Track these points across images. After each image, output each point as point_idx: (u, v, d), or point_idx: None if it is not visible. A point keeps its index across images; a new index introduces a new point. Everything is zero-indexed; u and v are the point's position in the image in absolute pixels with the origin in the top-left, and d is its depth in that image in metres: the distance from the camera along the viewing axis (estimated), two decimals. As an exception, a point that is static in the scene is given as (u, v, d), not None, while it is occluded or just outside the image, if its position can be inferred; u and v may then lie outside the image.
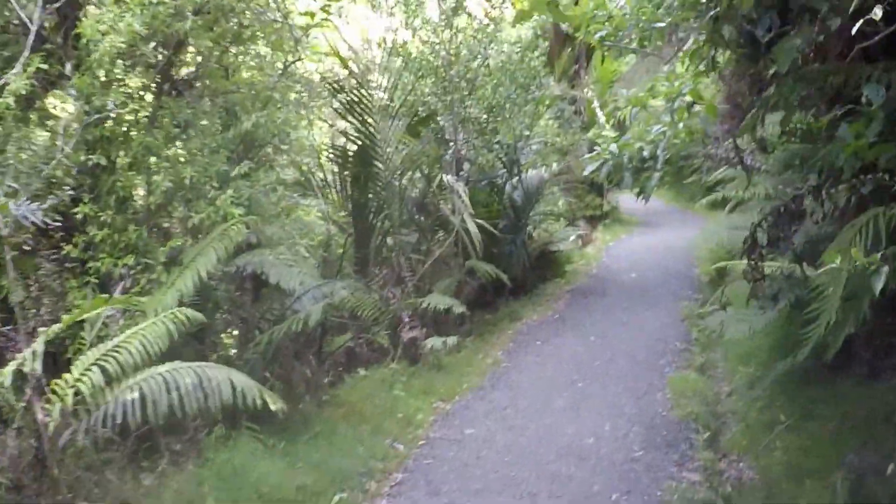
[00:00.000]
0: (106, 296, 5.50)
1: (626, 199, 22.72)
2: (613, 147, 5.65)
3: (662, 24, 4.96)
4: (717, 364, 9.01)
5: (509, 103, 11.46)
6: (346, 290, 9.07)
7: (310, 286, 8.57)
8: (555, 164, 14.19)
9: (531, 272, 13.20)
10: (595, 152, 5.79)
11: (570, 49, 19.42)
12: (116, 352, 5.05)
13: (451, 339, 9.05)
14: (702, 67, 4.92)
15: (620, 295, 12.63)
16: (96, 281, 6.42)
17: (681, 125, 5.11)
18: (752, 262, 6.04)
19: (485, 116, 11.81)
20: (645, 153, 5.31)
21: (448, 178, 10.02)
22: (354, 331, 9.91)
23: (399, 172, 10.66)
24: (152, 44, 6.90)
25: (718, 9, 3.87)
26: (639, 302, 12.01)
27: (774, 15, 4.06)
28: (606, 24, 5.92)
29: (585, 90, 19.35)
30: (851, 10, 3.48)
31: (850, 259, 3.83)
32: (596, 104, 19.07)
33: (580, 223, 18.54)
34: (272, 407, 5.08)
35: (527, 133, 12.40)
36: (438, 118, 11.54)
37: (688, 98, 5.21)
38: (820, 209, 4.74)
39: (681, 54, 5.46)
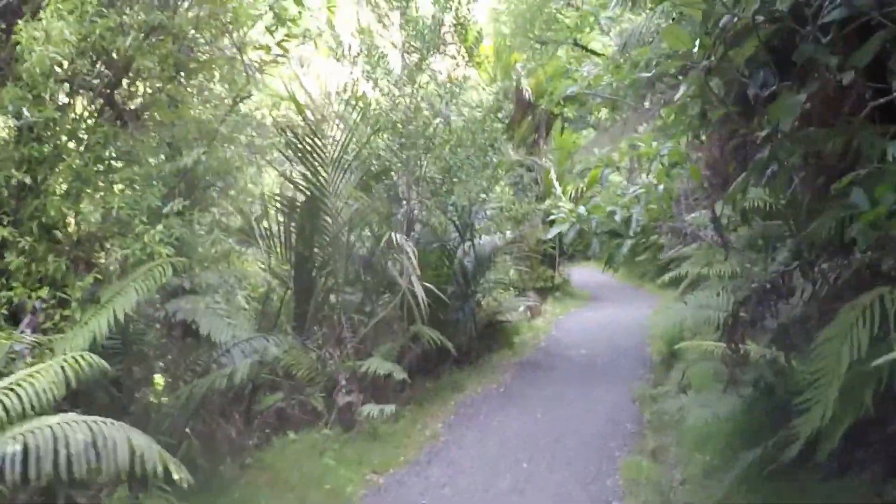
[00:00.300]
0: (9, 331, 4.89)
1: (578, 272, 22.51)
2: (581, 209, 5.18)
3: (647, 75, 4.56)
4: (671, 449, 8.47)
5: (467, 165, 11.04)
6: (280, 347, 8.47)
7: (241, 339, 7.97)
8: (508, 232, 13.76)
9: (478, 341, 12.69)
10: (560, 214, 5.28)
11: (530, 117, 19.33)
12: (4, 395, 4.39)
13: (389, 408, 8.43)
14: (683, 126, 4.55)
15: (569, 371, 12.14)
16: (6, 312, 5.82)
17: (661, 188, 4.67)
18: (733, 345, 5.59)
19: (440, 177, 11.38)
20: (617, 217, 4.86)
21: (398, 237, 9.51)
22: (287, 390, 9.25)
23: (347, 228, 10.15)
24: (94, 61, 6.38)
25: (712, 59, 3.47)
26: (589, 379, 11.52)
27: (770, 70, 3.68)
28: (576, 80, 5.51)
29: (543, 159, 19.14)
30: (865, 64, 3.10)
31: (851, 344, 3.39)
32: (553, 174, 18.83)
33: (530, 294, 18.11)
34: (174, 476, 4.43)
35: (483, 197, 11.98)
36: (392, 175, 11.09)
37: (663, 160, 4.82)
38: (811, 287, 4.32)
39: (664, 111, 5.07)
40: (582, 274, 23.46)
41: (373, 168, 10.99)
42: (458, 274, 12.63)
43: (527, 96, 18.44)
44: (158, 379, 7.87)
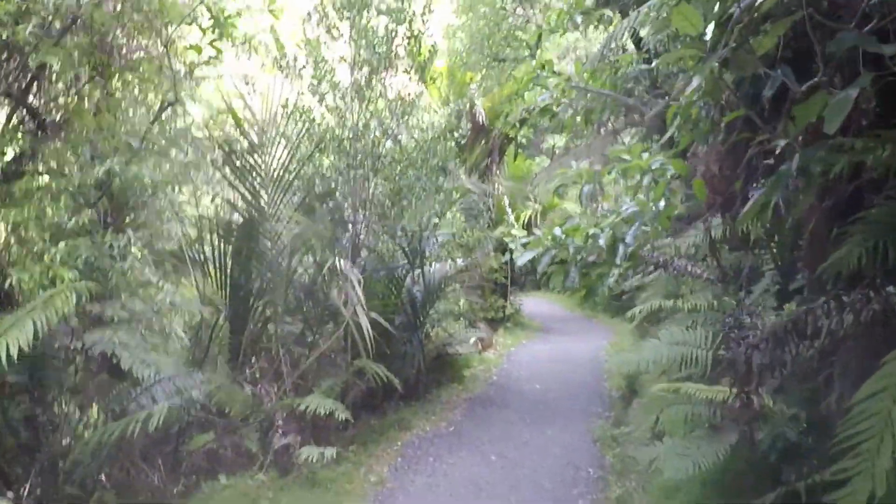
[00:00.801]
0: None
1: (529, 302, 21.89)
2: (558, 231, 4.44)
3: (648, 67, 3.91)
4: (636, 497, 7.81)
5: (419, 187, 10.31)
6: (209, 384, 7.65)
7: (165, 376, 7.15)
8: (459, 260, 13.04)
9: (426, 375, 11.91)
10: (532, 238, 4.52)
11: (484, 141, 18.73)
12: None
13: (330, 451, 7.59)
14: (687, 131, 3.90)
15: (523, 408, 11.40)
16: None
17: (660, 205, 3.98)
18: (745, 396, 4.91)
19: (389, 199, 10.64)
20: (601, 241, 4.16)
21: (342, 263, 8.73)
22: (220, 429, 8.39)
23: (288, 252, 9.36)
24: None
25: (728, 47, 2.82)
26: (544, 417, 10.80)
27: (790, 67, 3.05)
28: (546, 87, 4.82)
29: (497, 186, 18.53)
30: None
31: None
32: (506, 201, 18.22)
33: (480, 325, 17.43)
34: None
35: (435, 221, 11.26)
36: (338, 196, 10.32)
37: (660, 173, 4.13)
38: (840, 326, 3.67)
39: (669, 112, 4.36)
40: (532, 304, 22.83)
41: (316, 189, 10.23)
42: (406, 303, 11.89)
43: (480, 119, 17.83)
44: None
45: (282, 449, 7.93)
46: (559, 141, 26.72)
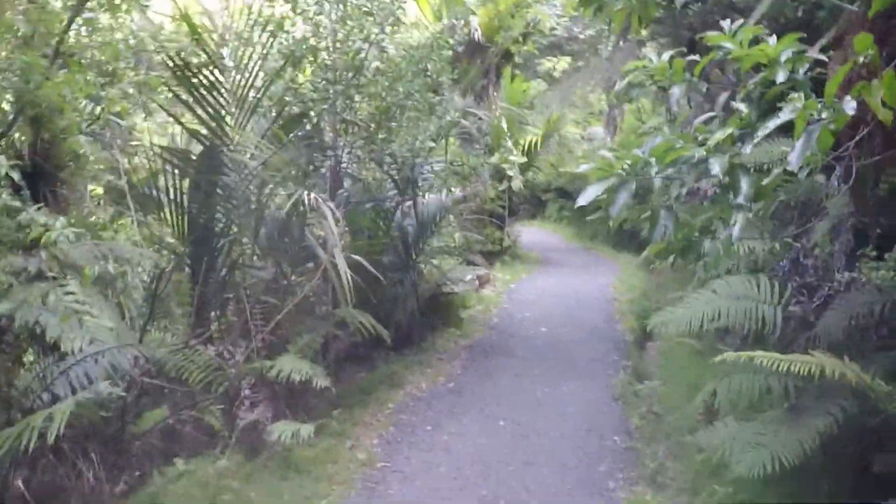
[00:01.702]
0: None
1: (525, 233, 20.49)
2: (640, 152, 2.89)
3: None
4: (670, 469, 6.54)
5: (410, 105, 8.79)
6: (163, 346, 6.28)
7: (101, 349, 5.78)
8: (456, 190, 11.58)
9: (420, 319, 10.53)
10: (599, 163, 2.93)
11: (480, 61, 17.15)
12: None
13: (307, 429, 6.20)
14: None
15: (531, 357, 10.07)
16: None
17: (825, 114, 2.52)
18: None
19: (375, 122, 9.13)
20: (714, 169, 2.65)
21: (317, 197, 7.23)
22: (177, 401, 7.05)
23: (257, 186, 7.92)
24: None
25: None
26: (556, 369, 9.48)
27: None
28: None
29: (494, 109, 16.94)
30: None
31: None
32: (504, 126, 16.66)
33: (476, 259, 16.05)
34: None
35: (432, 145, 9.75)
36: (314, 118, 8.79)
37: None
38: None
39: None
40: (529, 234, 21.40)
41: (289, 109, 8.73)
42: (396, 240, 10.48)
43: (476, 36, 16.19)
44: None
45: (249, 426, 6.58)
46: (558, 63, 25.13)
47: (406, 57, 8.75)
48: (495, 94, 17.70)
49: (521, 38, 14.98)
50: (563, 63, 24.60)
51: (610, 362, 9.78)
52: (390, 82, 8.65)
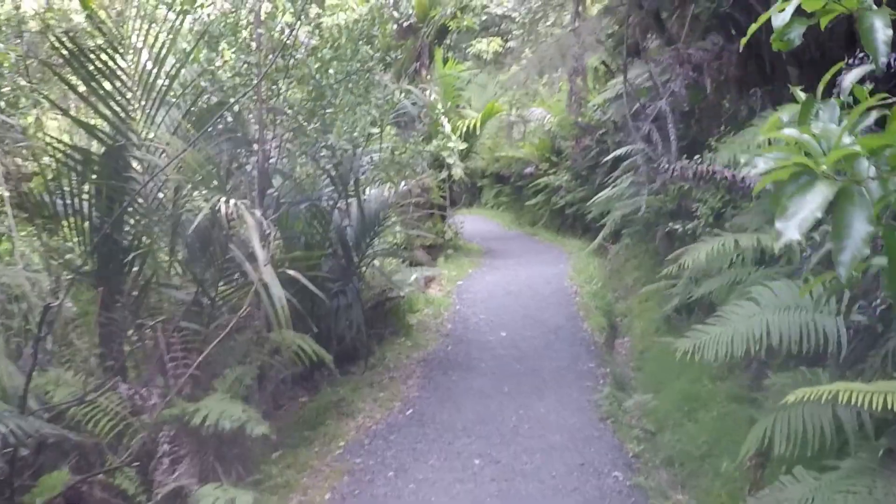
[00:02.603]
0: None
1: (464, 222, 19.31)
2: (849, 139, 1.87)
3: None
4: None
5: (351, 90, 7.55)
6: (64, 387, 4.97)
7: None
8: (402, 183, 10.37)
9: (366, 331, 9.30)
10: (780, 161, 1.89)
11: (412, 42, 15.94)
12: None
13: (245, 499, 4.97)
14: None
15: (495, 370, 8.93)
16: None
17: None
18: None
19: (306, 110, 7.87)
20: None
21: (240, 204, 5.92)
22: (83, 457, 5.72)
23: (172, 190, 6.64)
24: None
25: None
26: (526, 384, 8.36)
27: None
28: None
29: (429, 93, 15.74)
30: None
31: None
32: (441, 110, 15.46)
33: (419, 256, 14.88)
34: None
35: (375, 131, 8.52)
36: (236, 107, 7.50)
37: None
38: None
39: None
40: (468, 222, 20.22)
41: (208, 98, 7.43)
42: (335, 244, 9.25)
43: (408, 15, 14.97)
44: None
45: (171, 494, 5.29)
46: (488, 45, 24.10)
47: (346, 30, 7.48)
48: (429, 77, 16.52)
49: (458, 13, 13.83)
50: (494, 45, 23.57)
51: (584, 371, 8.72)
52: (324, 62, 7.37)
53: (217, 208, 5.76)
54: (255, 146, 7.62)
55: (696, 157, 7.49)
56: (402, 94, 9.71)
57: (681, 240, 9.44)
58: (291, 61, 7.33)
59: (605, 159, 14.91)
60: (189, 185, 6.81)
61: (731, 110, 8.48)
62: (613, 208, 14.84)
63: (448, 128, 15.70)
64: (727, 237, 5.22)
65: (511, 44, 22.95)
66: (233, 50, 7.49)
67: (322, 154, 8.40)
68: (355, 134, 8.11)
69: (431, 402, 7.92)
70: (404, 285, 11.43)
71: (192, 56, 7.03)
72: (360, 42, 7.45)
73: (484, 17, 20.09)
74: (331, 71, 7.64)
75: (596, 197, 14.81)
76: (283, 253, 8.14)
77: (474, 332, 10.67)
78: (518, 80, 11.24)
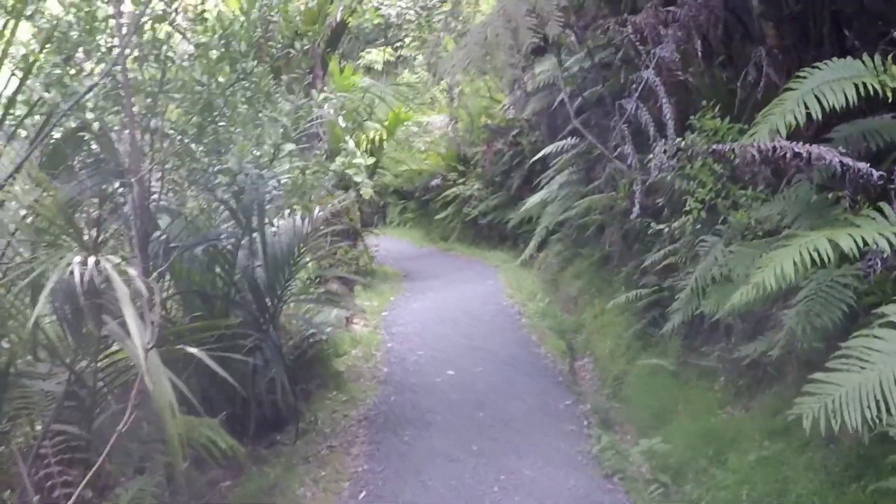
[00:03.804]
0: None
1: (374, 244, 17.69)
2: None
3: None
4: None
5: (248, 91, 5.92)
6: None
7: None
8: (318, 209, 8.70)
9: (291, 389, 7.62)
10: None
11: (303, 53, 14.27)
12: None
13: None
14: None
15: (453, 421, 7.40)
16: None
17: None
18: None
19: (192, 128, 6.20)
20: None
21: (104, 262, 4.18)
22: None
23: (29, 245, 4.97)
24: None
25: None
26: (497, 437, 6.86)
27: None
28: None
29: (326, 106, 14.10)
30: None
31: None
32: (342, 124, 13.87)
33: (333, 287, 13.21)
34: None
35: (291, 147, 6.90)
36: (101, 130, 5.79)
37: None
38: None
39: None
40: (377, 243, 18.65)
41: (61, 121, 5.70)
42: (244, 290, 7.58)
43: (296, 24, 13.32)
44: None
45: None
46: (380, 55, 22.86)
47: (237, 20, 5.85)
48: (325, 89, 14.89)
49: (357, 7, 12.39)
50: (386, 54, 22.31)
51: (561, 411, 7.31)
52: (212, 63, 5.72)
53: (76, 270, 4.06)
54: (131, 178, 5.91)
55: (692, 136, 6.19)
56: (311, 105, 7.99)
57: (652, 241, 8.15)
58: (169, 64, 5.65)
59: (533, 159, 13.73)
60: (45, 242, 5.08)
61: (723, 78, 7.18)
62: (543, 213, 13.64)
63: (352, 143, 14.15)
64: (816, 238, 3.82)
65: (403, 51, 21.77)
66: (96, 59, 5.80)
67: (217, 181, 6.72)
68: (259, 153, 6.48)
69: (388, 478, 6.32)
70: (326, 326, 9.76)
71: (35, 66, 5.29)
72: (256, 32, 5.84)
73: (377, 21, 18.67)
74: (221, 79, 6.03)
75: (529, 201, 13.58)
76: (181, 312, 6.46)
77: (416, 374, 9.11)
78: (460, 63, 9.79)
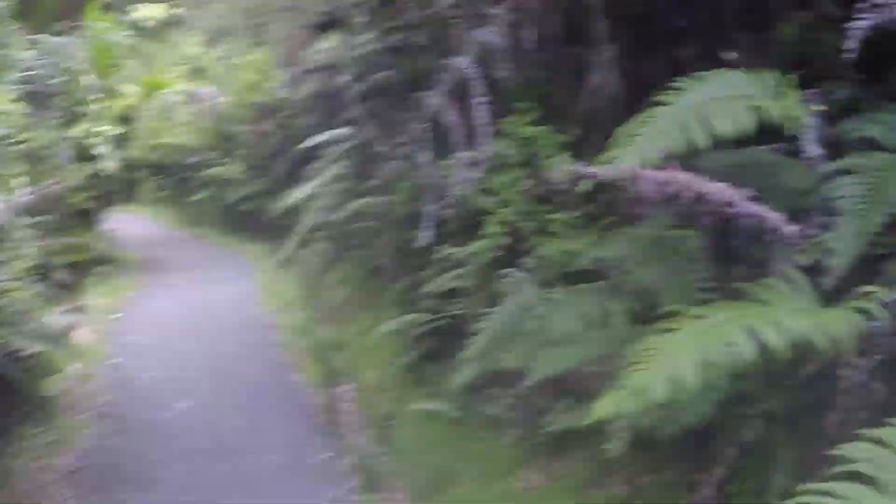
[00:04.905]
0: None
1: (119, 224, 15.66)
2: None
3: None
4: None
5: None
6: None
7: None
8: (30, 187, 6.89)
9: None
10: None
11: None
12: None
13: None
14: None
15: (186, 481, 5.69)
16: None
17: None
18: None
19: None
20: None
21: None
22: None
23: None
24: None
25: None
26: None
27: None
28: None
29: (78, 57, 12.07)
30: None
31: None
32: (92, 83, 11.87)
33: (60, 277, 11.16)
34: None
35: None
36: None
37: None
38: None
39: None
40: (125, 225, 16.57)
41: None
42: None
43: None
44: None
45: None
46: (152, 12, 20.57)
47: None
48: (81, 41, 12.76)
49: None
50: (160, 10, 20.13)
51: (318, 466, 5.98)
52: None
53: None
54: None
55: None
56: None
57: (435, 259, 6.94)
58: None
59: (301, 146, 12.29)
60: None
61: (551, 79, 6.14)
62: (308, 208, 12.26)
63: (100, 107, 12.16)
64: (724, 325, 2.69)
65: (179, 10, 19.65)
66: None
67: None
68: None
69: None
70: (45, 335, 7.85)
71: None
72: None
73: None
74: None
75: (295, 193, 12.16)
76: None
77: (144, 405, 7.46)
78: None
